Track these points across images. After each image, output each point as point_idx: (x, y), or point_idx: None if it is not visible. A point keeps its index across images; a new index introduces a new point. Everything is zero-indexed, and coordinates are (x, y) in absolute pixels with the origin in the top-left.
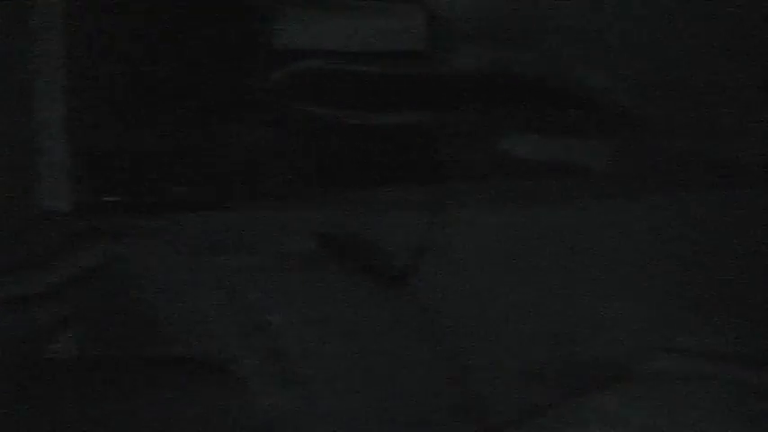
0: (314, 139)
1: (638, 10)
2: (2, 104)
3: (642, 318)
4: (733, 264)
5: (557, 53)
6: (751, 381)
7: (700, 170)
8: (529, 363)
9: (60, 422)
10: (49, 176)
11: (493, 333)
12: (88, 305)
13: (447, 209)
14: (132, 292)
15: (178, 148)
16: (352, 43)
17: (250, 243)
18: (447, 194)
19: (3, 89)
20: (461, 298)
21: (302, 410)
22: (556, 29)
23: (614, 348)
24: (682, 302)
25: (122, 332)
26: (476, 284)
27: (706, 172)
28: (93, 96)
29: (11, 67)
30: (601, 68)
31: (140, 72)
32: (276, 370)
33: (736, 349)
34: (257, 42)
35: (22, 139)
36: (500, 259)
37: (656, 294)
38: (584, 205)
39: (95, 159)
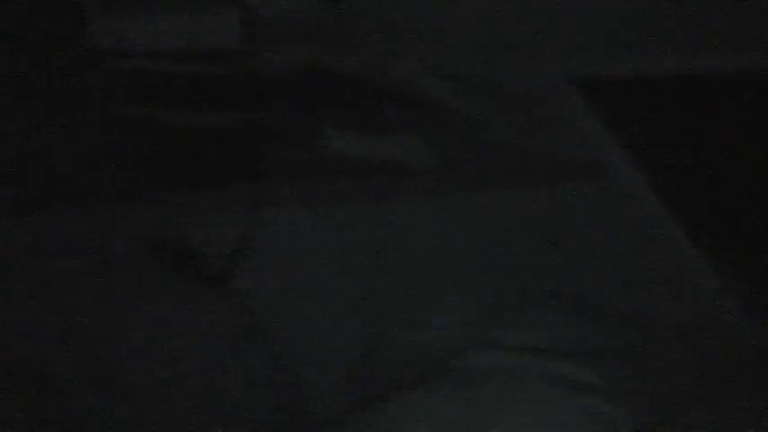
0: (131, 140)
1: (455, 8)
2: None
3: (460, 314)
4: (552, 258)
5: (375, 51)
6: (570, 375)
7: (518, 165)
8: (350, 361)
9: None
10: None
11: (314, 332)
12: None
13: (267, 208)
14: None
15: None
16: (166, 43)
17: (69, 246)
18: (267, 194)
19: None
20: (282, 298)
21: (124, 413)
22: (374, 27)
23: (432, 345)
24: (500, 298)
25: None
26: (296, 284)
27: (523, 167)
28: None
29: None
30: (420, 66)
31: None
32: (94, 373)
33: (555, 344)
34: (72, 43)
35: None
36: (321, 258)
37: (475, 291)
38: (404, 202)
39: None
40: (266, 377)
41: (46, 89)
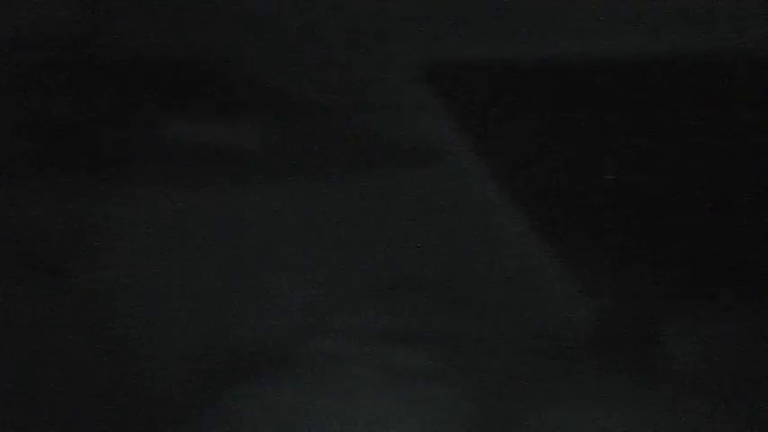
0: None
1: None
2: None
3: (302, 299)
4: (391, 245)
5: (209, 35)
6: (407, 361)
7: (359, 151)
8: (194, 348)
9: None
10: None
11: (157, 319)
12: None
13: (105, 197)
14: None
15: None
16: (5, 29)
17: None
18: (104, 183)
19: None
20: (121, 288)
21: None
22: (208, 10)
23: (272, 333)
24: (340, 285)
25: None
26: (135, 274)
27: (364, 153)
28: None
29: None
30: (253, 49)
31: None
32: None
33: (395, 331)
34: None
35: None
36: (159, 246)
37: (316, 275)
38: (242, 189)
39: None
40: (112, 367)
41: None
